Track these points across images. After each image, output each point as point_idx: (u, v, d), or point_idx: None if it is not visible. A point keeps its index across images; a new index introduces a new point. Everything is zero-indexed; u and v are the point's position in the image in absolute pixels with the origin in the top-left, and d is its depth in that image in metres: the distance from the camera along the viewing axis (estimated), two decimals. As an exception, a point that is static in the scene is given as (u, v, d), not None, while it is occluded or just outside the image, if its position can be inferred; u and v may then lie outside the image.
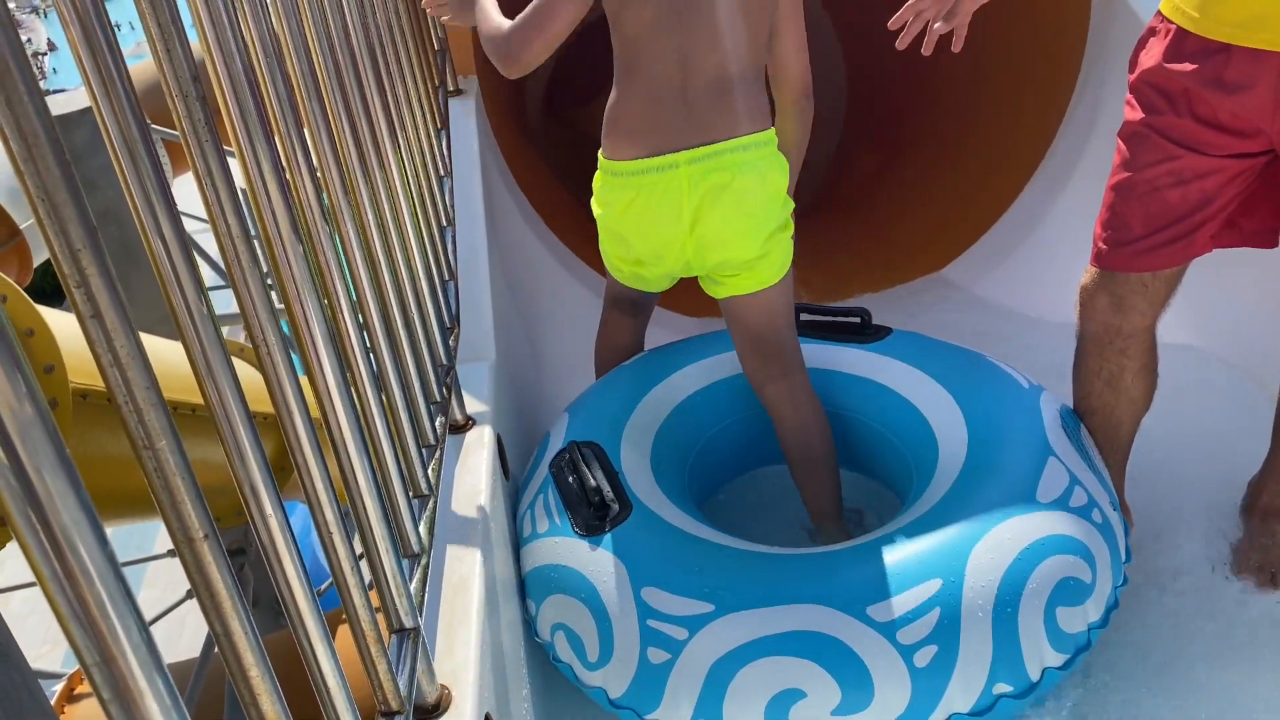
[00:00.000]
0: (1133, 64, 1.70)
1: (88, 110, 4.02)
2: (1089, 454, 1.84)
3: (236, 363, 0.78)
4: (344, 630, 1.02)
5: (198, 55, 0.77)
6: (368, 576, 1.05)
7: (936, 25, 1.76)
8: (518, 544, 1.88)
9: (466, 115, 2.65)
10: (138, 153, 0.65)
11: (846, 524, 2.15)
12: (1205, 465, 2.17)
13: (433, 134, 2.29)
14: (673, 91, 1.93)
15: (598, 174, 2.05)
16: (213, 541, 0.66)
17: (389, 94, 1.67)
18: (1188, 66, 1.58)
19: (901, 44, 1.79)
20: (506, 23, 1.98)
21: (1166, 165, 1.64)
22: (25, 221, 3.96)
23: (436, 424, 1.56)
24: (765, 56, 2.00)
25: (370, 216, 1.34)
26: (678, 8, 1.87)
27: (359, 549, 1.04)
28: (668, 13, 1.88)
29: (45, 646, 5.21)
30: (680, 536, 1.73)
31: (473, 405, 1.87)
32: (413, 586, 1.21)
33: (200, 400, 0.73)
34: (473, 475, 1.68)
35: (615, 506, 1.79)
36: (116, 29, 0.65)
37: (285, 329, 0.94)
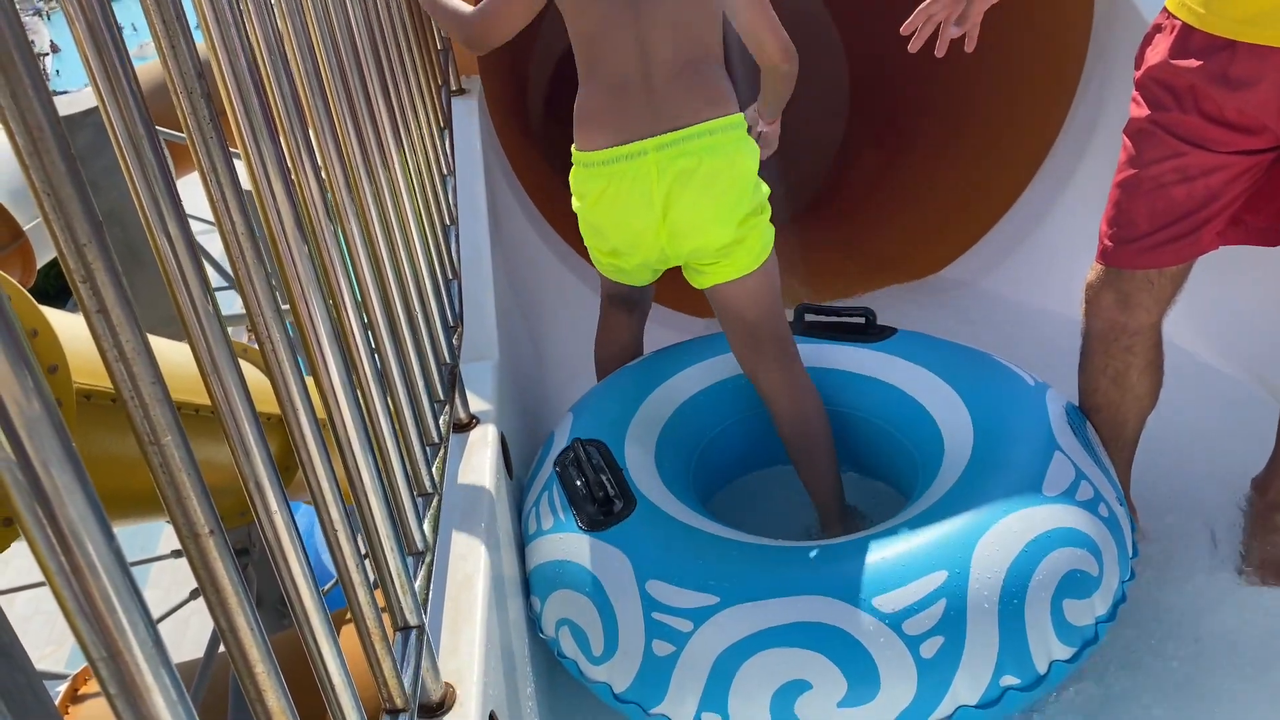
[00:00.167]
0: (1139, 60, 1.70)
1: (90, 112, 4.03)
2: (1095, 450, 1.83)
3: (241, 363, 0.78)
4: (349, 628, 1.02)
5: (202, 54, 0.77)
6: (372, 575, 1.05)
7: (951, 29, 1.76)
8: (522, 542, 1.88)
9: (469, 115, 2.65)
10: (143, 150, 0.65)
11: (851, 511, 2.15)
12: (1210, 463, 2.17)
13: (436, 134, 2.29)
14: (635, 81, 1.96)
15: (573, 168, 2.08)
16: (218, 537, 0.66)
17: (392, 94, 1.67)
18: (1193, 63, 1.58)
19: (914, 47, 1.80)
20: (465, 8, 2.10)
21: (1172, 162, 1.64)
22: (28, 223, 3.97)
23: (440, 423, 1.56)
24: (721, 44, 2.01)
25: (374, 216, 1.34)
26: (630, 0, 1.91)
27: (364, 548, 1.04)
28: (620, 6, 1.91)
29: (49, 647, 5.23)
30: (685, 530, 1.73)
31: (476, 404, 1.87)
32: (417, 585, 1.21)
33: (203, 401, 0.73)
34: (476, 474, 1.68)
35: (620, 502, 1.79)
36: (121, 30, 0.65)
37: (290, 329, 0.94)
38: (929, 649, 1.47)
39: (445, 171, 2.36)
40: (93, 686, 2.20)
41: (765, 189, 2.06)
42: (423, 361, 1.51)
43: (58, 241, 0.55)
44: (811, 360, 2.22)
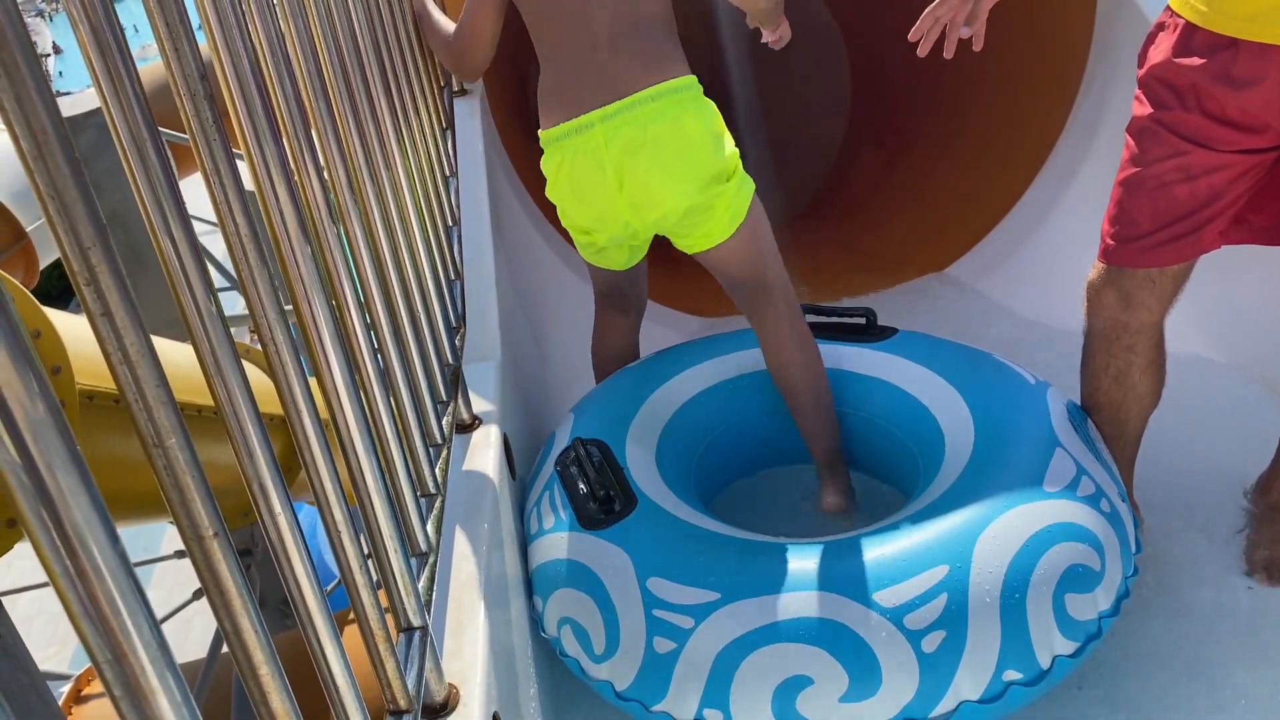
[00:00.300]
0: (1141, 59, 1.70)
1: (94, 113, 4.03)
2: (1096, 447, 1.83)
3: (244, 364, 0.78)
4: (352, 629, 1.02)
5: (205, 56, 0.77)
6: (376, 576, 1.05)
7: (961, 31, 1.77)
8: (524, 543, 1.88)
9: (471, 115, 2.65)
10: (146, 153, 0.65)
11: (848, 475, 2.19)
12: (1213, 463, 2.17)
13: (438, 134, 2.29)
14: (581, 53, 1.97)
15: (543, 154, 2.10)
16: (222, 539, 0.66)
17: (395, 94, 1.67)
18: (1196, 61, 1.58)
19: (923, 51, 1.80)
20: (449, 31, 2.17)
21: (1175, 161, 1.64)
22: (31, 224, 3.98)
23: (443, 423, 1.56)
24: (668, 6, 2.01)
25: (377, 216, 1.34)
26: None
27: (367, 548, 1.04)
28: None
29: (52, 648, 5.24)
30: (685, 528, 1.73)
31: (479, 405, 1.87)
32: (420, 585, 1.21)
33: (207, 402, 0.74)
34: (479, 474, 1.68)
35: (621, 501, 1.79)
36: (123, 31, 0.65)
37: (293, 329, 0.94)
38: (931, 644, 1.47)
39: (447, 172, 2.36)
40: (96, 687, 2.20)
41: (730, 149, 2.02)
42: (425, 362, 1.51)
43: (62, 244, 0.55)
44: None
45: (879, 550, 1.58)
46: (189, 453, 0.63)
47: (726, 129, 2.05)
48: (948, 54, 1.80)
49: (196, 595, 2.90)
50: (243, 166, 0.84)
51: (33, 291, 1.67)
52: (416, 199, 1.69)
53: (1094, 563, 1.58)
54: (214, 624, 0.71)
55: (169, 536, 4.63)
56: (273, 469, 0.77)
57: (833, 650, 1.48)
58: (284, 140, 0.93)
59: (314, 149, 1.05)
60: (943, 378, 2.02)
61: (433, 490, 1.40)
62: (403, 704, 1.03)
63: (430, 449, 1.47)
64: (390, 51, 1.73)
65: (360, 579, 0.98)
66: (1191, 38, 1.58)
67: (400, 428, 1.28)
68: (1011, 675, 1.49)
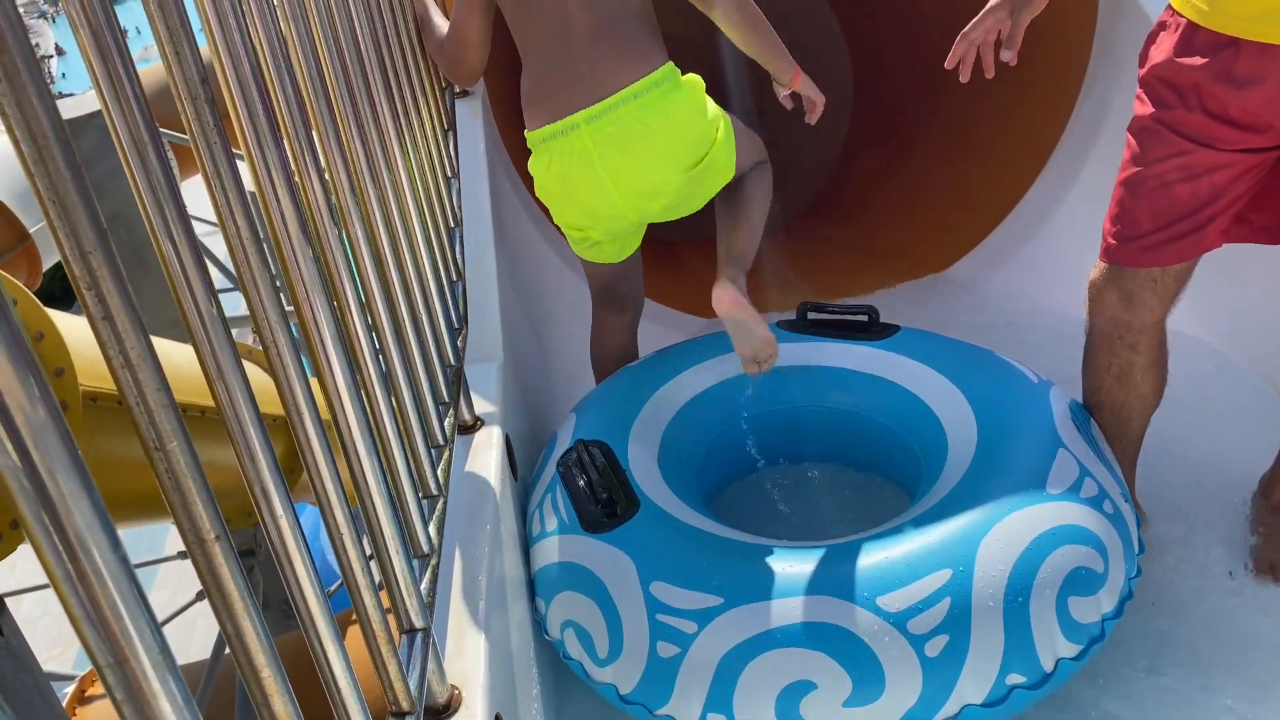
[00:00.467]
0: (1143, 58, 1.70)
1: (96, 114, 4.04)
2: (1099, 447, 1.83)
3: (246, 365, 0.78)
4: (354, 631, 1.02)
5: (206, 58, 0.77)
6: (378, 577, 1.05)
7: (1004, 55, 1.79)
8: (527, 544, 1.88)
9: (473, 116, 2.65)
10: (147, 155, 0.65)
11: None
12: (1216, 462, 2.16)
13: (440, 136, 2.29)
14: (560, 51, 1.97)
15: (531, 154, 2.11)
16: (224, 543, 0.66)
17: (396, 96, 1.67)
18: (1197, 61, 1.57)
19: (964, 77, 1.83)
20: (444, 32, 2.18)
21: (1176, 160, 1.64)
22: (34, 226, 3.99)
23: (445, 424, 1.56)
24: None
25: (378, 218, 1.34)
26: None
27: (369, 550, 1.04)
28: None
29: (56, 649, 5.24)
30: (688, 531, 1.73)
31: (481, 406, 1.87)
32: (423, 587, 1.21)
33: (210, 402, 0.74)
34: (481, 475, 1.68)
35: (623, 504, 1.79)
36: (124, 34, 0.65)
37: (294, 330, 0.94)
38: (934, 648, 1.47)
39: (449, 174, 2.36)
40: (100, 688, 2.20)
41: (714, 112, 2.05)
42: (427, 363, 1.51)
43: (62, 248, 0.55)
44: (814, 358, 2.22)
45: (882, 554, 1.58)
46: (190, 456, 0.63)
47: (706, 94, 2.07)
48: (989, 74, 1.81)
49: (199, 597, 2.90)
50: (244, 167, 0.84)
51: (36, 292, 1.67)
52: (418, 200, 1.69)
53: (1097, 565, 1.58)
54: (217, 625, 0.71)
55: (173, 536, 4.64)
56: (274, 472, 0.77)
57: (836, 655, 1.48)
58: (285, 142, 0.93)
59: (315, 151, 1.05)
60: (945, 376, 2.02)
61: (435, 491, 1.40)
62: (405, 705, 1.03)
63: (432, 450, 1.47)
64: (392, 52, 1.73)
65: (362, 580, 0.98)
66: (1193, 37, 1.58)
67: (402, 429, 1.28)
68: (1015, 679, 1.49)
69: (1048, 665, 1.51)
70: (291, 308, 0.98)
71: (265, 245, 0.84)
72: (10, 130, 0.52)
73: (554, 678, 1.82)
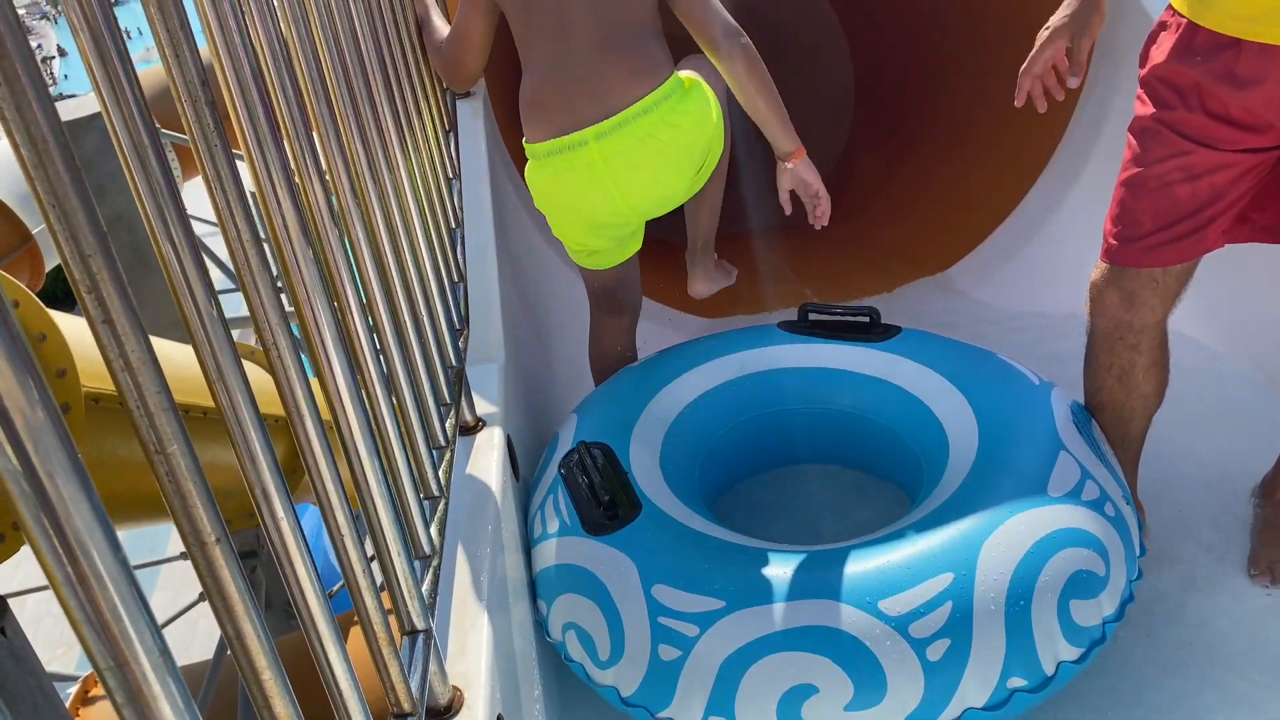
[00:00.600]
0: (1143, 59, 1.70)
1: (97, 116, 4.04)
2: (1101, 449, 1.83)
3: (247, 365, 0.78)
4: (356, 632, 1.02)
5: (206, 60, 0.77)
6: (379, 578, 1.05)
7: (1071, 82, 1.80)
8: (528, 545, 1.88)
9: (474, 117, 2.65)
10: (147, 157, 0.65)
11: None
12: (1218, 463, 2.16)
13: (441, 136, 2.29)
14: (565, 62, 1.96)
15: (528, 163, 2.10)
16: (224, 545, 0.66)
17: (397, 96, 1.67)
18: (1198, 61, 1.57)
19: (1041, 108, 1.83)
20: (444, 35, 2.17)
21: (1177, 160, 1.63)
22: (37, 226, 3.99)
23: (446, 425, 1.56)
24: (653, 10, 2.00)
25: (379, 219, 1.34)
26: None
27: (370, 551, 1.04)
28: None
29: (59, 649, 5.25)
30: (690, 534, 1.73)
31: (483, 407, 1.87)
32: (424, 588, 1.21)
33: (211, 403, 0.74)
34: (483, 476, 1.68)
35: (625, 506, 1.79)
36: (126, 35, 0.65)
37: (295, 331, 0.94)
38: (935, 652, 1.47)
39: (450, 174, 2.36)
40: (103, 689, 2.20)
41: (715, 106, 2.07)
42: (428, 364, 1.51)
43: (63, 252, 0.55)
44: (815, 360, 2.22)
45: (884, 558, 1.58)
46: (190, 459, 0.63)
47: (711, 90, 2.07)
48: (1058, 96, 1.82)
49: (201, 597, 2.90)
50: (244, 168, 0.85)
51: (38, 293, 1.67)
52: (419, 201, 1.69)
53: (1098, 568, 1.58)
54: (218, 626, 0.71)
55: (175, 536, 4.64)
56: (275, 473, 0.77)
57: (838, 658, 1.48)
58: (285, 143, 0.93)
59: (315, 152, 1.05)
60: (946, 378, 2.02)
61: (436, 492, 1.40)
62: (406, 707, 1.03)
63: (433, 451, 1.47)
64: (393, 52, 1.73)
65: (363, 581, 0.98)
66: (1194, 37, 1.58)
67: (403, 429, 1.28)
68: (1016, 682, 1.49)
69: (1049, 668, 1.51)
70: (292, 308, 0.98)
71: (266, 246, 0.84)
72: (10, 134, 0.52)
73: (555, 679, 1.82)
